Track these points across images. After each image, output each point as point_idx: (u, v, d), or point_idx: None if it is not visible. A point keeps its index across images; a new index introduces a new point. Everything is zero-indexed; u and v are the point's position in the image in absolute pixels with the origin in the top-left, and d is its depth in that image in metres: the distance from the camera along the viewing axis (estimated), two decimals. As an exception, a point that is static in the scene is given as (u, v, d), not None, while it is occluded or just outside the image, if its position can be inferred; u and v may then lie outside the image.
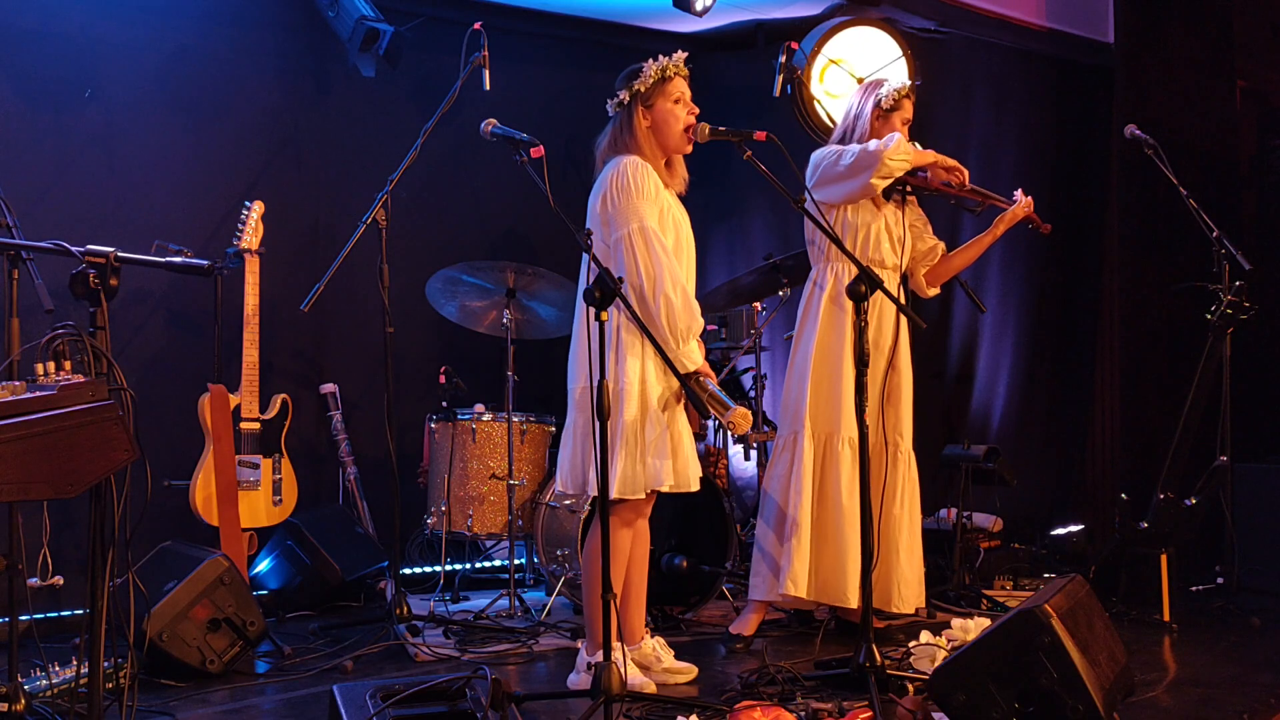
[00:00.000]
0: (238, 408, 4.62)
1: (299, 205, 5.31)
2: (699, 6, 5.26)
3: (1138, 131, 4.88)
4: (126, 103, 4.88)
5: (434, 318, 5.12)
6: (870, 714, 3.19)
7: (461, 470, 4.92)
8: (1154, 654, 4.17)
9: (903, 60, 5.55)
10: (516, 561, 4.89)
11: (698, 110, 3.70)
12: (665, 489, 3.58)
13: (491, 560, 5.68)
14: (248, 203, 4.73)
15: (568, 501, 4.66)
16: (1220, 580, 4.94)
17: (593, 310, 3.18)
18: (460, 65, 4.50)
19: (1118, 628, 3.44)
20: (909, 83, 4.39)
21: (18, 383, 2.41)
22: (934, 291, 4.58)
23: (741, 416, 3.43)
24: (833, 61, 5.50)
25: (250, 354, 4.64)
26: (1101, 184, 6.43)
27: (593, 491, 3.56)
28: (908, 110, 4.32)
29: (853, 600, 4.10)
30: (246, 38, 5.19)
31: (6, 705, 2.97)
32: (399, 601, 4.21)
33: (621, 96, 3.68)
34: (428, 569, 5.45)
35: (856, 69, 5.48)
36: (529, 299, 5.01)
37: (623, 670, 3.11)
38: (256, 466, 4.64)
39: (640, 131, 3.65)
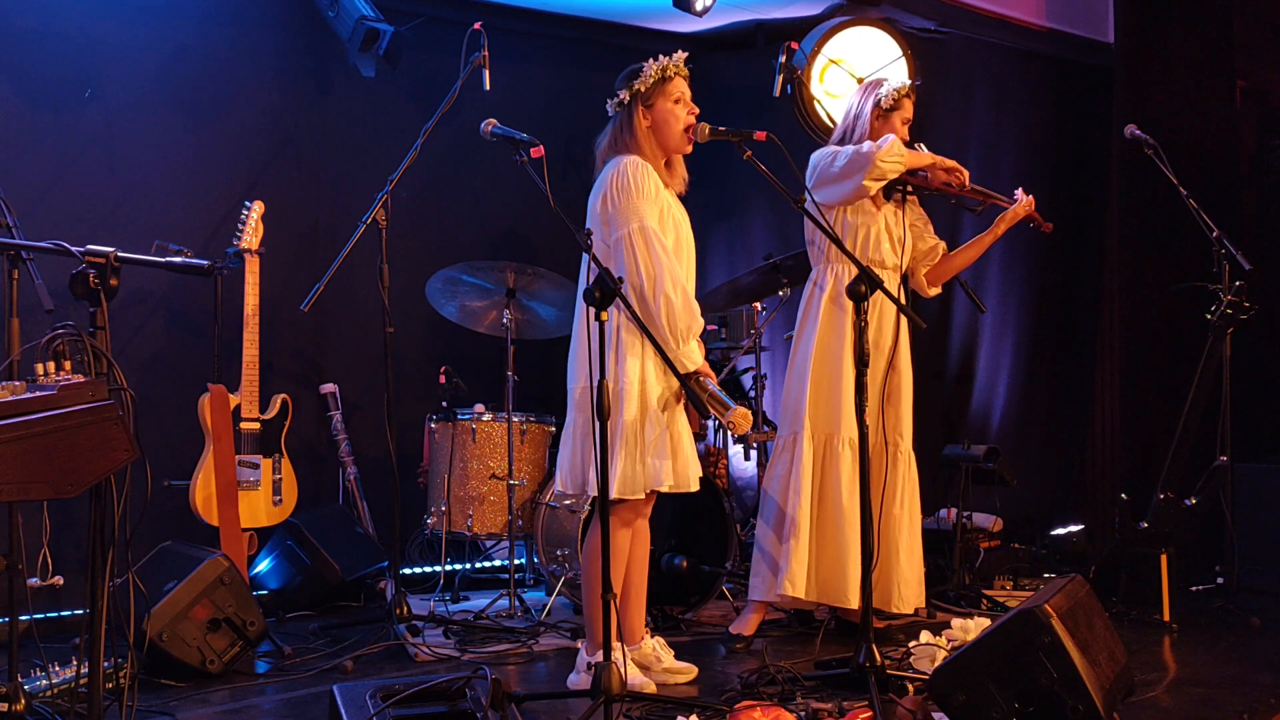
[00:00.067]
0: (238, 408, 4.62)
1: (299, 205, 5.31)
2: (699, 6, 5.26)
3: (1138, 131, 4.88)
4: (126, 103, 4.88)
5: (434, 318, 5.12)
6: (870, 714, 3.19)
7: (461, 470, 4.92)
8: (1154, 654, 4.17)
9: (903, 60, 5.55)
10: (516, 561, 4.89)
11: (698, 110, 3.70)
12: (665, 489, 3.58)
13: (491, 560, 5.68)
14: (248, 203, 4.74)
15: (568, 501, 4.66)
16: (1220, 580, 4.94)
17: (593, 310, 3.18)
18: (460, 65, 4.50)
19: (1118, 628, 3.44)
20: (909, 82, 4.38)
21: (18, 383, 2.41)
22: (935, 291, 4.58)
23: (741, 416, 3.43)
24: (833, 61, 5.50)
25: (250, 354, 4.64)
26: (1101, 184, 6.43)
27: (592, 491, 3.56)
28: (908, 110, 4.31)
29: (853, 601, 4.10)
30: (246, 38, 5.19)
31: (6, 705, 2.97)
32: (399, 601, 4.21)
33: (621, 96, 3.68)
34: (428, 569, 5.45)
35: (856, 69, 5.48)
36: (529, 299, 5.01)
37: (623, 670, 3.11)
38: (256, 466, 4.64)
39: (640, 131, 3.65)
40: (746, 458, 5.52)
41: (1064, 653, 2.90)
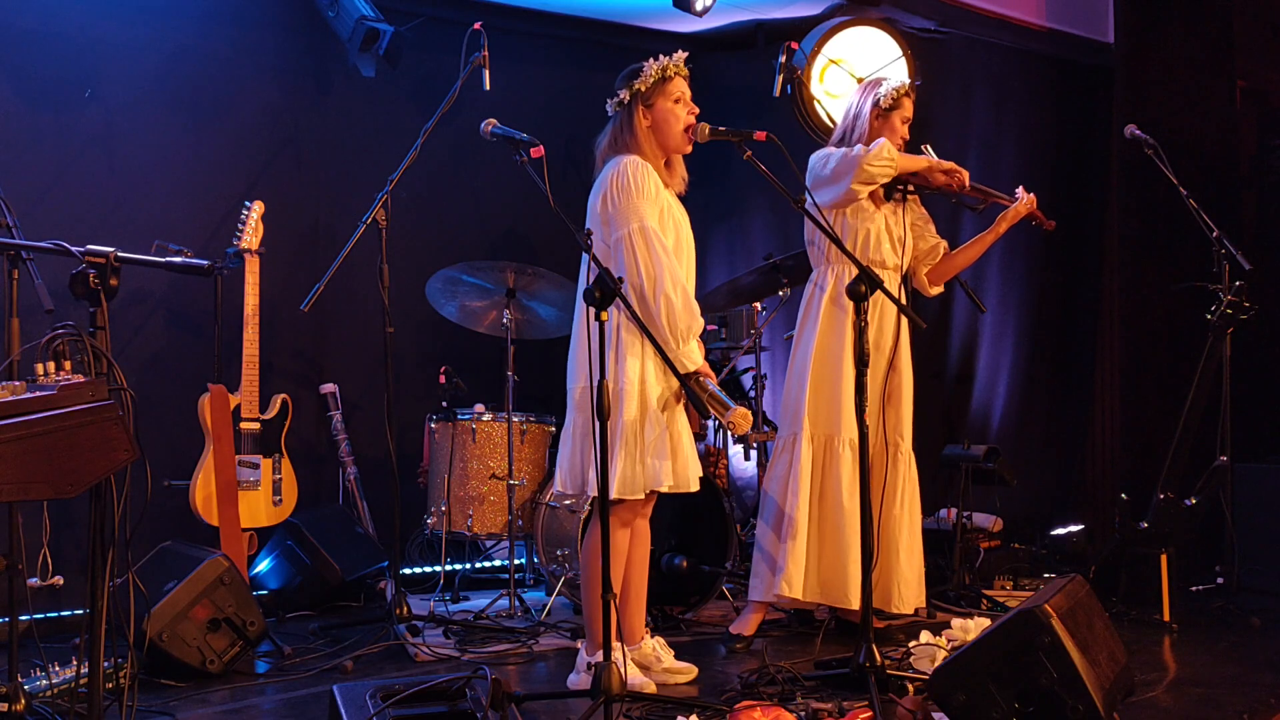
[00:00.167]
0: (238, 408, 4.62)
1: (299, 205, 5.31)
2: (699, 6, 5.26)
3: (1138, 131, 4.88)
4: (126, 103, 4.88)
5: (434, 318, 5.12)
6: (870, 714, 3.19)
7: (461, 470, 4.92)
8: (1154, 654, 4.17)
9: (903, 60, 5.55)
10: (516, 561, 4.89)
11: (698, 110, 3.70)
12: (664, 489, 3.58)
13: (491, 560, 5.68)
14: (248, 203, 4.74)
15: (568, 501, 4.66)
16: (1220, 580, 4.94)
17: (593, 310, 3.18)
18: (460, 65, 4.50)
19: (1118, 628, 3.44)
20: (907, 81, 4.38)
21: (18, 383, 2.41)
22: (937, 290, 4.58)
23: (741, 417, 3.43)
24: (833, 61, 5.50)
25: (250, 354, 4.64)
26: (1101, 184, 6.43)
27: (592, 492, 3.56)
28: (907, 109, 4.31)
29: (854, 601, 4.10)
30: (246, 38, 5.19)
31: (6, 705, 2.97)
32: (399, 601, 4.21)
33: (622, 96, 3.68)
34: (428, 569, 5.45)
35: (856, 69, 5.48)
36: (529, 299, 5.01)
37: (623, 670, 3.11)
38: (256, 466, 4.64)
39: (640, 131, 3.65)
40: (746, 458, 5.52)
41: (1064, 653, 2.90)
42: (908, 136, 4.33)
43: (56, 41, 4.72)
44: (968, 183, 4.31)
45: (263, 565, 4.94)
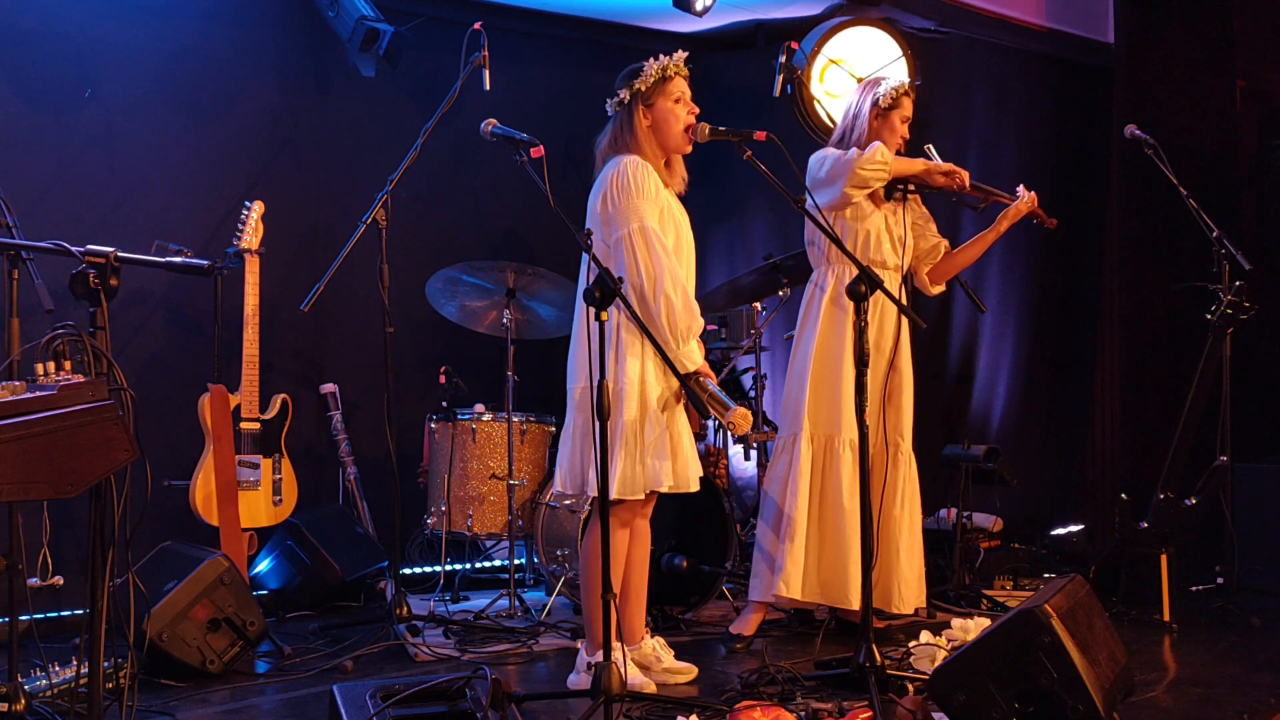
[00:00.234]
0: (238, 408, 4.62)
1: (299, 205, 5.31)
2: (699, 6, 5.26)
3: (1138, 131, 4.88)
4: (126, 103, 4.88)
5: (434, 318, 5.12)
6: (870, 714, 3.19)
7: (461, 470, 4.92)
8: (1154, 654, 4.17)
9: (903, 60, 5.55)
10: (516, 561, 4.89)
11: (698, 110, 3.70)
12: (664, 490, 3.58)
13: (491, 560, 5.68)
14: (248, 203, 4.74)
15: (568, 501, 4.66)
16: (1220, 580, 4.94)
17: (593, 310, 3.17)
18: (460, 65, 4.50)
19: (1118, 628, 3.44)
20: (907, 80, 4.38)
21: (18, 383, 2.41)
22: (939, 289, 4.58)
23: (741, 417, 3.43)
24: (833, 61, 5.50)
25: (250, 354, 4.64)
26: (1101, 184, 6.43)
27: (592, 492, 3.56)
28: (907, 108, 4.31)
29: (854, 602, 4.09)
30: (246, 38, 5.20)
31: (6, 705, 2.97)
32: (399, 601, 4.21)
33: (622, 96, 3.68)
34: (428, 569, 5.45)
35: (856, 69, 5.48)
36: (529, 299, 5.01)
37: (623, 670, 3.11)
38: (256, 466, 4.64)
39: (641, 131, 3.65)
40: (746, 458, 5.52)
41: (1064, 653, 2.90)
42: (908, 136, 4.33)
43: (56, 41, 4.72)
44: (968, 183, 4.31)
45: (263, 565, 4.94)
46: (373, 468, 5.31)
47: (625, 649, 3.63)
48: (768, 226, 6.33)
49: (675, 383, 3.55)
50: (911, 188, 4.36)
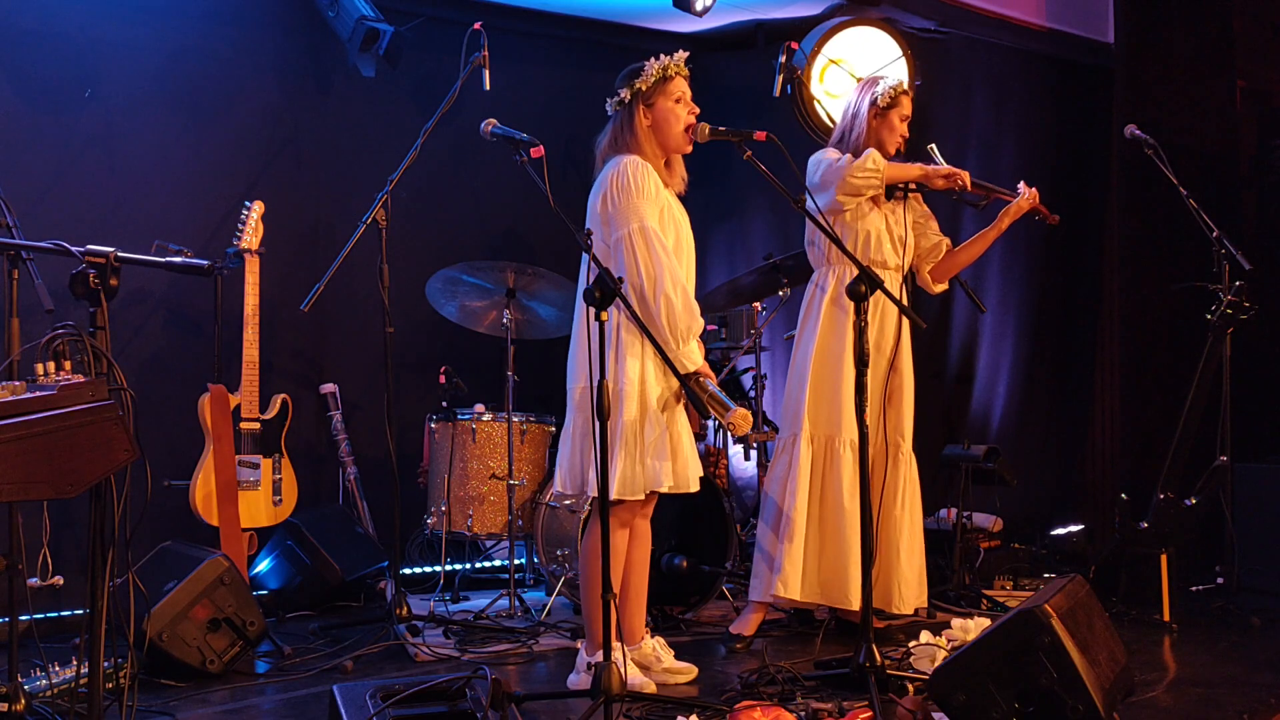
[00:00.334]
0: (238, 408, 4.62)
1: (299, 205, 5.31)
2: (699, 6, 5.26)
3: (1138, 131, 4.88)
4: (126, 103, 4.88)
5: (434, 318, 5.12)
6: (870, 714, 3.19)
7: (461, 470, 4.92)
8: (1154, 654, 4.17)
9: (903, 60, 5.55)
10: (516, 561, 4.89)
11: (698, 110, 3.70)
12: (664, 490, 3.58)
13: (491, 560, 5.68)
14: (248, 203, 4.74)
15: (568, 501, 4.66)
16: (1220, 580, 4.94)
17: (593, 310, 3.17)
18: (460, 65, 4.50)
19: (1118, 628, 3.44)
20: (905, 79, 4.38)
21: (18, 383, 2.41)
22: (940, 288, 4.58)
23: (741, 417, 3.43)
24: (833, 61, 5.50)
25: (250, 354, 4.64)
26: (1101, 184, 6.43)
27: (592, 492, 3.56)
28: (906, 107, 4.31)
29: (854, 602, 4.09)
30: (246, 38, 5.19)
31: (6, 705, 2.97)
32: (399, 601, 4.21)
33: (622, 95, 3.68)
34: (428, 569, 5.45)
35: (856, 69, 5.48)
36: (529, 299, 5.01)
37: (623, 670, 3.11)
38: (256, 466, 4.64)
39: (641, 130, 3.65)
40: (746, 458, 5.52)
41: (1064, 653, 2.90)
42: (907, 135, 4.33)
43: (56, 41, 4.72)
44: (969, 183, 4.31)
45: (263, 565, 4.94)
46: (373, 468, 5.31)
47: (625, 649, 3.63)
48: (768, 226, 6.33)
49: (675, 383, 3.55)
50: (913, 186, 4.36)
